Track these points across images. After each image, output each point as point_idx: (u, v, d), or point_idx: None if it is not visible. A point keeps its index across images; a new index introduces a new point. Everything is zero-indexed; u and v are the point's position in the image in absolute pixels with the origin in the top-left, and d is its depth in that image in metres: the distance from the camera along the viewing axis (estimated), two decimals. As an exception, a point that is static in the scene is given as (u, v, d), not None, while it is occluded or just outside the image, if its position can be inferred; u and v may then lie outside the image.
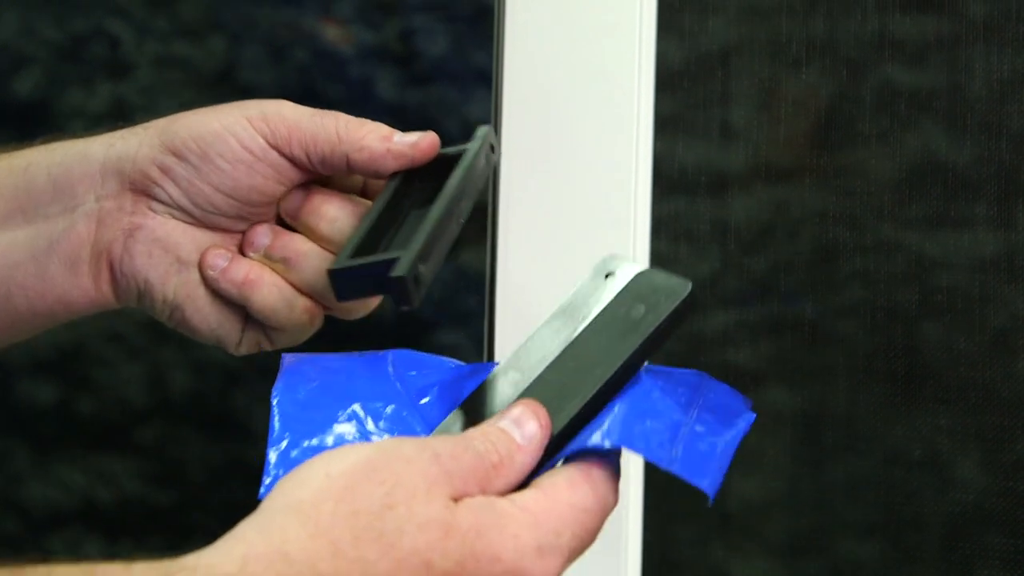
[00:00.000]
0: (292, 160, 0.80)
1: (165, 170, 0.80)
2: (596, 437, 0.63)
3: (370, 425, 0.69)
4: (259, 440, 1.28)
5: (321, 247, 0.81)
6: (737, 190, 1.02)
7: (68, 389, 1.27)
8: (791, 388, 1.03)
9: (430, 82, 0.93)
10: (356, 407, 0.69)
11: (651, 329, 0.67)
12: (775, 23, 1.00)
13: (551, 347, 0.68)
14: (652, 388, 0.66)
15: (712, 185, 1.01)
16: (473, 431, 0.64)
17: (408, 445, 0.61)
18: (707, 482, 0.63)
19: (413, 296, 0.71)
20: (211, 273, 0.80)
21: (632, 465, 1.01)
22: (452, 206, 0.73)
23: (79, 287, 0.81)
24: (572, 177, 0.92)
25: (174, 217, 0.80)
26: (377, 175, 0.80)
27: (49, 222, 0.81)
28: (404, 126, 0.89)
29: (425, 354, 0.74)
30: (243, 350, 0.82)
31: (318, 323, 0.81)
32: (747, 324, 1.02)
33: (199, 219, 0.81)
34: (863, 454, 1.02)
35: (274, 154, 0.79)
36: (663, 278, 0.68)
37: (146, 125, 0.82)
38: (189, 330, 0.82)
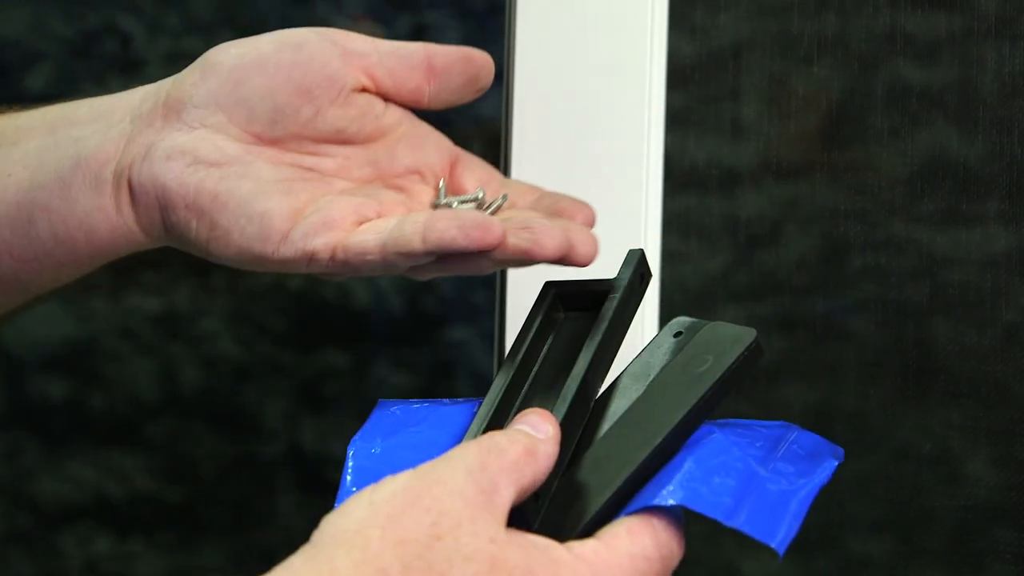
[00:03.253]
0: (353, 55, 0.75)
1: (206, 70, 0.75)
2: (661, 495, 0.62)
3: None
4: (270, 436, 1.28)
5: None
6: (748, 186, 1.02)
7: (79, 384, 1.27)
8: (802, 383, 1.03)
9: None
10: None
11: (715, 379, 0.66)
12: (786, 19, 1.00)
13: (618, 407, 0.68)
14: (725, 442, 0.65)
15: (723, 181, 1.01)
16: (493, 432, 0.64)
17: (442, 466, 0.61)
18: (777, 539, 0.62)
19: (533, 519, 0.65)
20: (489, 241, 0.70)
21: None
22: (594, 375, 0.68)
23: (101, 208, 0.77)
24: (583, 172, 0.92)
25: (205, 124, 0.76)
26: (446, 91, 0.76)
27: (79, 144, 0.78)
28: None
29: None
30: (285, 252, 0.74)
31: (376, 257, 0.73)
32: (758, 319, 1.03)
33: (236, 118, 0.75)
34: (874, 450, 1.02)
35: (327, 43, 0.75)
36: (728, 329, 0.68)
37: None
38: (219, 240, 0.75)
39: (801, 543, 1.06)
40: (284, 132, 0.76)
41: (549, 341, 0.70)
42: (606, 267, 0.91)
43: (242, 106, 0.76)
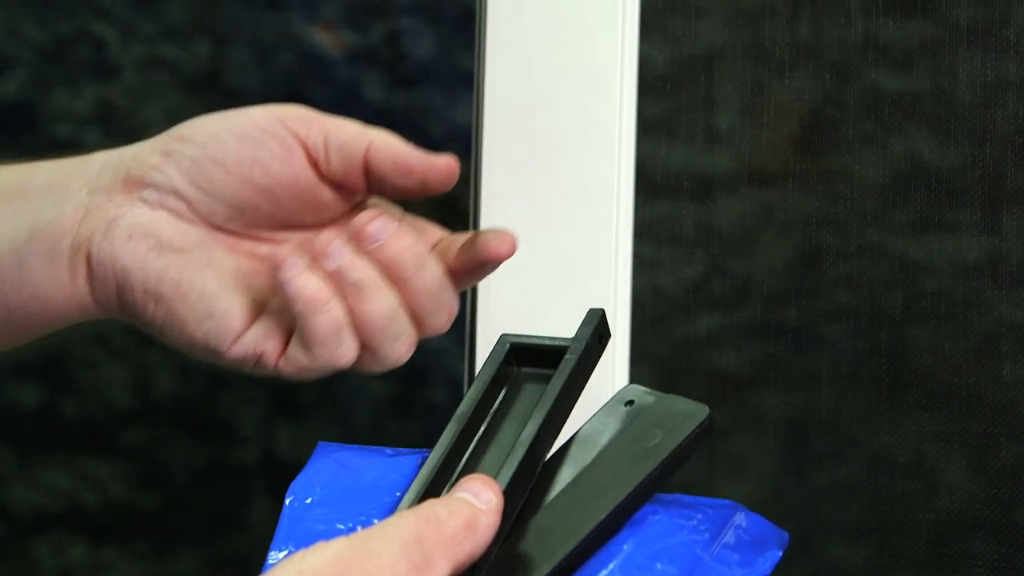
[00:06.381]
0: (308, 145, 0.75)
1: (167, 153, 0.75)
2: None
3: None
4: (244, 443, 1.28)
5: (395, 289, 0.74)
6: (721, 194, 1.02)
7: (52, 391, 1.27)
8: (776, 393, 1.03)
9: (414, 85, 0.93)
10: (363, 518, 0.66)
11: (664, 456, 0.65)
12: (759, 27, 1.00)
13: (564, 475, 0.66)
14: (669, 524, 0.64)
15: (696, 189, 1.01)
16: (433, 500, 0.62)
17: (376, 538, 0.60)
18: None
19: None
20: (285, 275, 0.72)
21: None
22: (544, 439, 0.66)
23: (55, 279, 0.76)
24: (555, 180, 0.92)
25: (165, 206, 0.75)
26: (394, 177, 0.75)
27: (35, 215, 0.76)
28: (389, 128, 0.89)
29: None
30: (238, 351, 0.74)
31: (346, 362, 0.74)
32: (731, 329, 1.02)
33: (194, 205, 0.75)
34: (848, 459, 1.02)
35: (284, 131, 0.75)
36: (681, 404, 0.67)
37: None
38: (175, 327, 0.74)
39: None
40: (242, 226, 0.76)
41: (501, 396, 0.69)
42: (578, 273, 0.91)
43: (203, 199, 0.75)
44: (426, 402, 1.19)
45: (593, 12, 0.91)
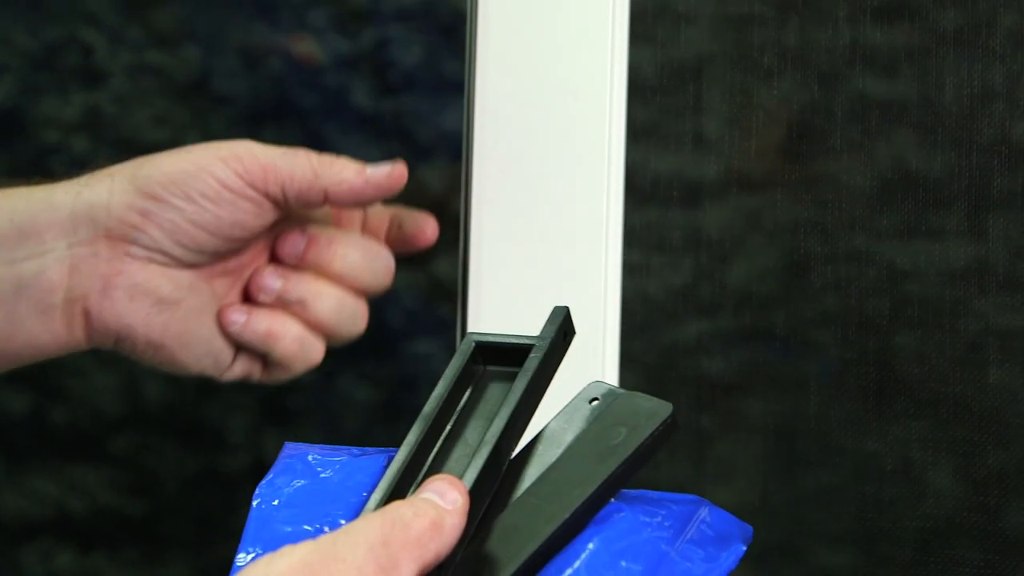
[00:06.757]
0: (268, 196, 0.81)
1: (145, 214, 0.80)
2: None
3: None
4: (233, 450, 1.28)
5: (332, 283, 0.82)
6: (710, 200, 1.02)
7: (41, 399, 1.26)
8: (763, 399, 1.03)
9: (404, 92, 0.93)
10: (330, 519, 0.66)
11: (627, 454, 0.65)
12: (747, 34, 1.00)
13: (530, 473, 0.66)
14: (634, 522, 0.64)
15: (685, 195, 1.02)
16: (399, 502, 0.63)
17: (342, 542, 0.60)
18: None
19: None
20: (233, 328, 0.82)
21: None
22: (510, 437, 0.66)
23: (50, 331, 0.81)
24: (544, 187, 0.92)
25: (153, 260, 0.81)
26: (356, 206, 0.83)
27: (15, 267, 0.80)
28: (378, 136, 0.90)
29: None
30: (230, 377, 0.83)
31: (321, 359, 0.83)
32: (720, 334, 1.03)
33: (179, 259, 0.81)
34: (835, 465, 1.02)
35: (251, 191, 0.81)
36: (645, 401, 0.67)
37: (109, 171, 0.82)
38: (173, 366, 0.82)
39: (763, 555, 1.06)
40: (221, 269, 0.84)
41: (467, 394, 0.69)
42: (568, 279, 0.92)
43: (187, 254, 0.82)
44: (414, 408, 1.19)
45: (583, 19, 0.91)
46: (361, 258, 0.83)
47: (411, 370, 1.23)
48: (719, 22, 1.00)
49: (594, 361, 0.92)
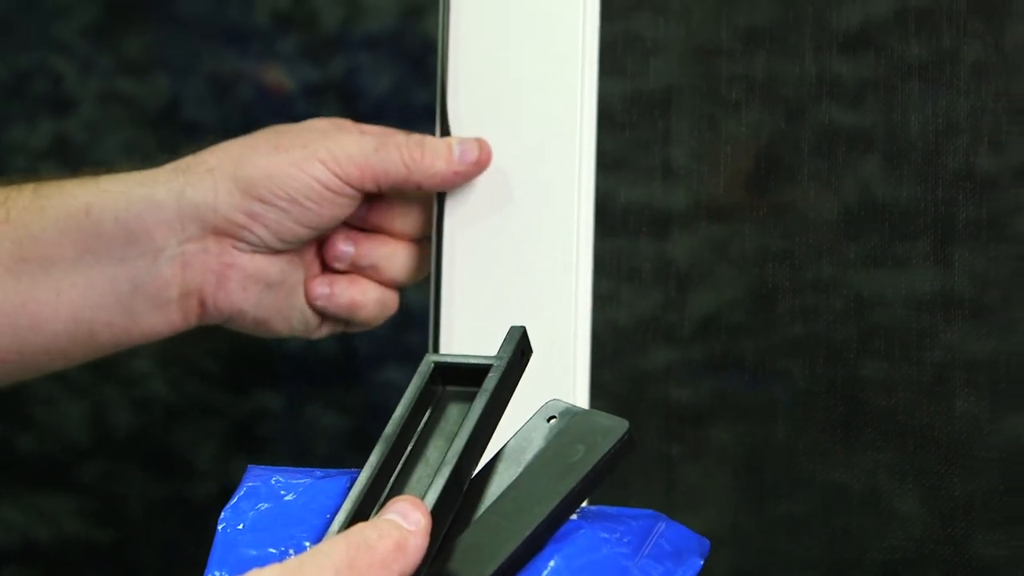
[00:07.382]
0: (363, 192, 0.89)
1: (254, 216, 0.88)
2: None
3: None
4: (201, 477, 1.27)
5: (396, 240, 0.92)
6: (679, 231, 1.02)
7: (8, 426, 1.26)
8: (732, 428, 1.04)
9: (373, 120, 0.94)
10: (295, 542, 0.66)
11: (585, 471, 0.66)
12: (715, 66, 1.01)
13: (491, 491, 0.67)
14: (594, 538, 0.65)
15: (654, 224, 1.02)
16: (363, 524, 0.63)
17: (308, 565, 0.61)
18: None
19: None
20: (319, 303, 0.92)
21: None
22: (470, 456, 0.67)
23: (167, 321, 0.89)
24: (514, 216, 0.93)
25: (258, 252, 0.89)
26: (444, 190, 0.90)
27: (127, 265, 0.88)
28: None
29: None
30: (319, 335, 0.93)
31: (397, 308, 0.94)
32: (688, 364, 1.03)
33: (280, 249, 0.90)
34: (803, 495, 1.03)
35: (349, 189, 0.89)
36: (602, 418, 0.68)
37: (208, 166, 0.89)
38: (270, 333, 0.92)
39: (732, 585, 1.06)
40: (308, 251, 0.93)
41: (427, 415, 0.69)
42: (539, 308, 0.92)
43: (287, 246, 0.91)
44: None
45: (553, 50, 0.92)
46: (418, 214, 0.92)
47: (380, 397, 1.24)
48: (687, 55, 1.01)
49: (564, 390, 0.92)
